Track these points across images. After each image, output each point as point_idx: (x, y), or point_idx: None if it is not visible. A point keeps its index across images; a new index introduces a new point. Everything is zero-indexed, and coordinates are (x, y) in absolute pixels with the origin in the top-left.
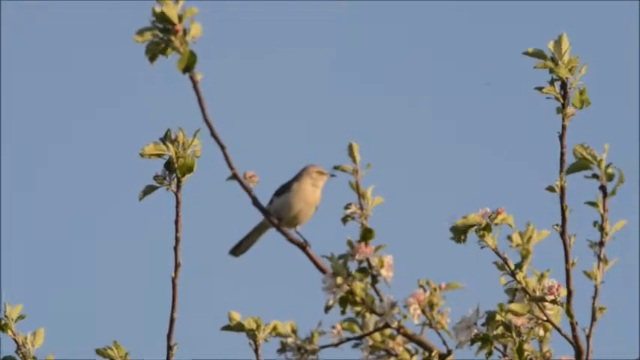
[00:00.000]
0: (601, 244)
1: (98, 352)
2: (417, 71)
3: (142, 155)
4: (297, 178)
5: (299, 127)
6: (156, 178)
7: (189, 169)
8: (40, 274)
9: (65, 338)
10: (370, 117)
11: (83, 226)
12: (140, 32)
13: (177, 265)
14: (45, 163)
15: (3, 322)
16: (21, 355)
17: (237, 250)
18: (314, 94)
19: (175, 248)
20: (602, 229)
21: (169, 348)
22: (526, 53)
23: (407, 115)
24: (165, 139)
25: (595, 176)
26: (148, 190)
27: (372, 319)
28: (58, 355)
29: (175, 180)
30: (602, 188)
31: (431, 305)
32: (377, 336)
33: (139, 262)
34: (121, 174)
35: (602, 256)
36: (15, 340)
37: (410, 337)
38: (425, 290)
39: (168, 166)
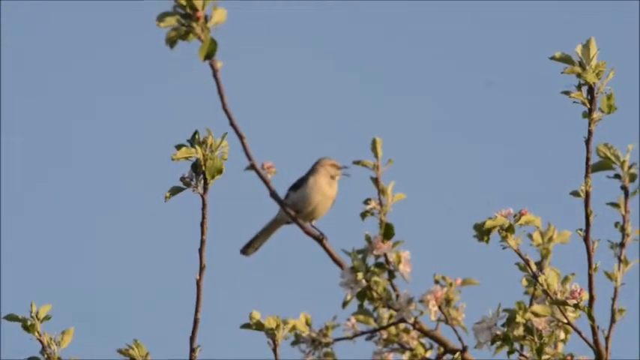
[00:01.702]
0: (622, 245)
1: (120, 351)
2: (440, 69)
3: (173, 159)
4: (312, 171)
5: (307, 124)
6: (183, 179)
7: (218, 171)
8: (62, 274)
9: (88, 339)
10: (387, 114)
11: (107, 227)
12: (161, 17)
13: (202, 267)
14: (65, 163)
15: (30, 322)
16: (46, 356)
17: (248, 249)
18: (320, 91)
19: (200, 250)
20: (623, 230)
21: (192, 350)
22: (553, 58)
23: (427, 114)
24: (193, 141)
25: (617, 176)
26: (175, 191)
27: (386, 312)
28: (80, 356)
29: (202, 182)
30: (624, 189)
31: (447, 301)
32: (391, 329)
33: (159, 263)
34: (144, 174)
35: (622, 257)
36: (40, 341)
37: (425, 333)
38: (441, 286)
39: (196, 167)
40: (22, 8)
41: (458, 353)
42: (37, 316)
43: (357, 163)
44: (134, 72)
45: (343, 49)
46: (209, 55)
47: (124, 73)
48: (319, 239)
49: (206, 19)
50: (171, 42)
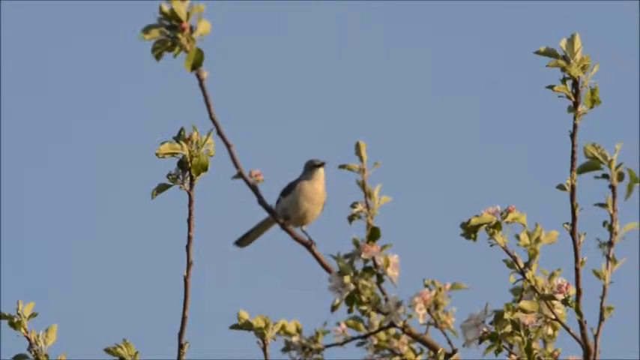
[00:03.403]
0: (610, 244)
1: (107, 351)
2: (425, 69)
3: (157, 155)
4: (301, 176)
5: (304, 126)
6: (169, 176)
7: (204, 168)
8: (50, 272)
9: (76, 337)
10: (375, 115)
11: (94, 225)
12: (146, 30)
13: (189, 264)
14: (51, 162)
15: (16, 319)
16: (33, 354)
17: (243, 241)
18: (318, 92)
19: (188, 247)
20: (611, 229)
21: (180, 347)
22: (538, 52)
23: (413, 114)
24: (179, 137)
25: (605, 176)
26: (161, 188)
27: (377, 318)
28: (69, 354)
29: (188, 178)
30: (612, 188)
31: (436, 305)
32: (382, 335)
33: (146, 260)
34: (130, 173)
35: (611, 256)
36: (27, 338)
37: (415, 337)
38: (430, 290)
39: (182, 164)
40: (22, 8)
41: (441, 350)
42: (22, 314)
43: (342, 167)
44: (129, 73)
45: (339, 49)
46: (195, 66)
47: (120, 72)
48: (308, 245)
49: (191, 29)
50: (157, 54)
